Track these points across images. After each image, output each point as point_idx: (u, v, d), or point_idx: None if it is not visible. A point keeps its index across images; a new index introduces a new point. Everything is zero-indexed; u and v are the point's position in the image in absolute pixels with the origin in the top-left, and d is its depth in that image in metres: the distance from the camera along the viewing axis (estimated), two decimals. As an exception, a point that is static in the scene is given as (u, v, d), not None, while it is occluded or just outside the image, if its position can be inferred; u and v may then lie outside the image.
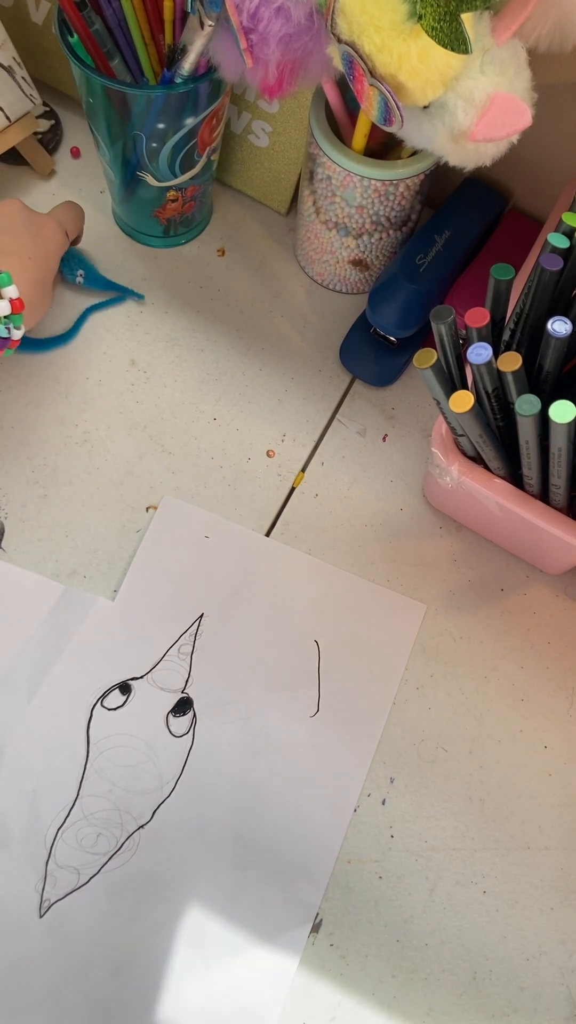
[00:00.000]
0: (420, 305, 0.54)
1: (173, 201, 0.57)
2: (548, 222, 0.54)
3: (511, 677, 0.52)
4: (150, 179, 0.55)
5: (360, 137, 0.50)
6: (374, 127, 0.50)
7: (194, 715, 0.48)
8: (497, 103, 0.38)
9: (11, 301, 0.47)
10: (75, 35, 0.50)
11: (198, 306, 0.61)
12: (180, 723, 0.48)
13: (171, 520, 0.53)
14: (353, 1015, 0.44)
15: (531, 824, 0.48)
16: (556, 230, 0.39)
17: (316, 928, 0.45)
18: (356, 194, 0.52)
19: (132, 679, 0.49)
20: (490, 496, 0.46)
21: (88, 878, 0.45)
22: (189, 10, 0.44)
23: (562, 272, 0.38)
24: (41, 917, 0.44)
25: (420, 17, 0.35)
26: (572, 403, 0.35)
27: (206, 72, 0.48)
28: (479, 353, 0.37)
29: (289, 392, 0.58)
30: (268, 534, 0.54)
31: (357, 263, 0.59)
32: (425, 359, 0.39)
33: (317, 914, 0.45)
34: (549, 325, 0.37)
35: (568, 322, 0.36)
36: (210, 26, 0.45)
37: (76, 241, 0.58)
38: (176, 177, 0.55)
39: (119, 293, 0.60)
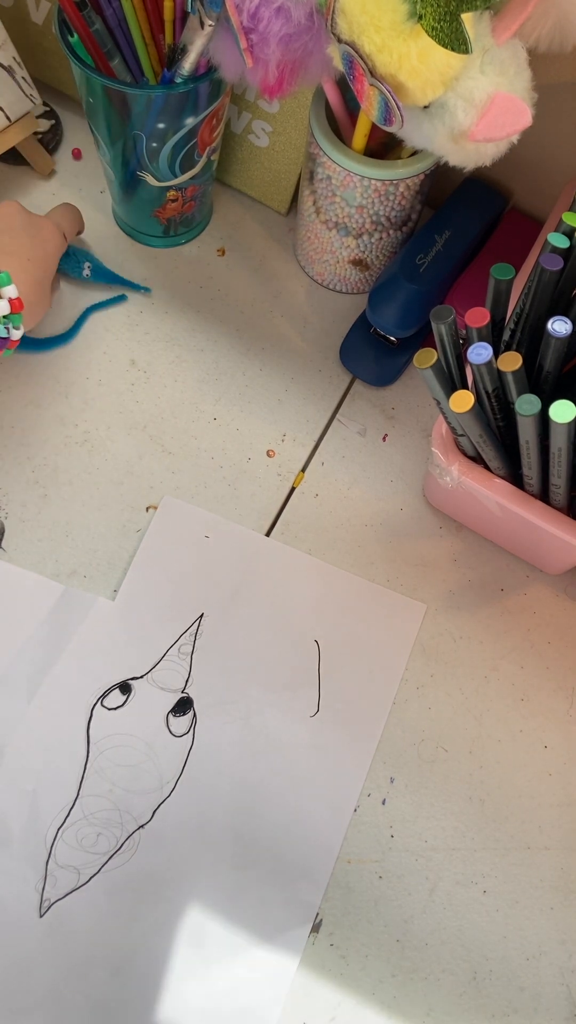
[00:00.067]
0: (420, 305, 0.54)
1: (173, 201, 0.57)
2: (548, 222, 0.54)
3: (511, 677, 0.52)
4: (150, 179, 0.55)
5: (360, 137, 0.50)
6: (374, 127, 0.50)
7: (194, 715, 0.48)
8: (497, 103, 0.38)
9: (10, 301, 0.47)
10: (75, 35, 0.50)
11: (198, 306, 0.61)
12: (180, 723, 0.48)
13: (171, 520, 0.53)
14: (353, 1015, 0.44)
15: (531, 824, 0.48)
16: (556, 230, 0.39)
17: (316, 928, 0.45)
18: (356, 194, 0.52)
19: (132, 679, 0.49)
20: (490, 496, 0.46)
21: (88, 878, 0.45)
22: (189, 10, 0.44)
23: (562, 272, 0.38)
24: (41, 917, 0.44)
25: (420, 17, 0.35)
26: (572, 403, 0.35)
27: (206, 72, 0.48)
28: (479, 353, 0.37)
29: (289, 392, 0.58)
30: (268, 534, 0.54)
31: (357, 263, 0.59)
32: (425, 359, 0.39)
33: (317, 914, 0.45)
34: (549, 325, 0.37)
35: (568, 322, 0.36)
36: (210, 26, 0.45)
37: (79, 232, 0.58)
38: (176, 177, 0.55)
39: (125, 287, 0.60)
